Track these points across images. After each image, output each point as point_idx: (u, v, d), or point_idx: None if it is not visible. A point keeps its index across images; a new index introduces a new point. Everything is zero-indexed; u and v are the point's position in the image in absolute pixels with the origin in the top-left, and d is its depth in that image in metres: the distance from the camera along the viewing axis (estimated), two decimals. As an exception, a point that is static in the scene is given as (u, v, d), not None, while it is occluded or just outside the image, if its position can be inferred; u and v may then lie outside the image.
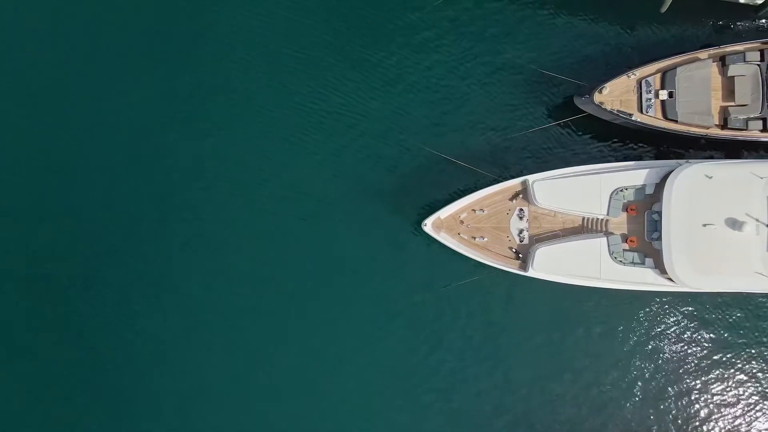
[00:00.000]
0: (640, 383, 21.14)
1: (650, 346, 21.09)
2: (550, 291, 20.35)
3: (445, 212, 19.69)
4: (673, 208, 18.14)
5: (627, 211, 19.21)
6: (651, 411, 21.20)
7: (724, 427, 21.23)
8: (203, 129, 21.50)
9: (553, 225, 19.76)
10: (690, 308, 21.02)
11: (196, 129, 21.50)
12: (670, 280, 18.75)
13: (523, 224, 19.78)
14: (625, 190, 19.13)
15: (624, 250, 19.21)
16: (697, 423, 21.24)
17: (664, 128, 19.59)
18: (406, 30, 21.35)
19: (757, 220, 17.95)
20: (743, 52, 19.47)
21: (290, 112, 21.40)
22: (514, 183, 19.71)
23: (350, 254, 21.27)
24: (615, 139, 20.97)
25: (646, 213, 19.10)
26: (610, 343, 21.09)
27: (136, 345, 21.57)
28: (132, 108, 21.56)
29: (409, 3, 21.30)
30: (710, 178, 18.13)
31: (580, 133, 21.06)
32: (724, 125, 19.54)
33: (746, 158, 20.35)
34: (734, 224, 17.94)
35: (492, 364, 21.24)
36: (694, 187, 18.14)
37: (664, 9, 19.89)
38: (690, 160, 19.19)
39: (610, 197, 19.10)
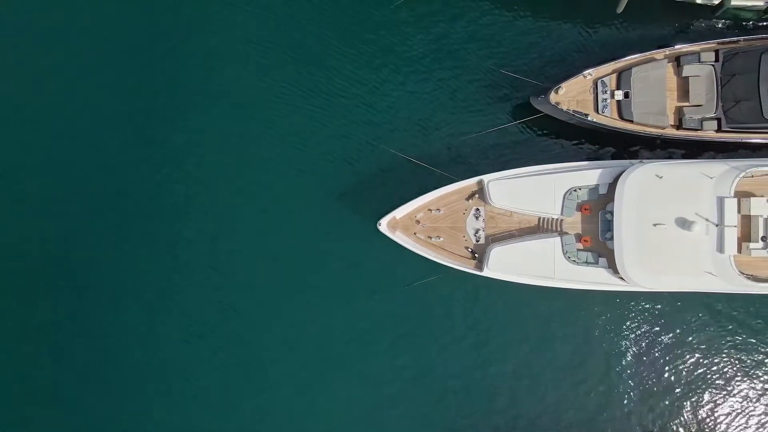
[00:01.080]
0: (623, 385, 21.18)
1: (627, 346, 21.14)
2: (525, 290, 20.23)
3: (400, 212, 19.62)
4: (624, 208, 18.13)
5: (581, 210, 19.18)
6: (637, 412, 21.26)
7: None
8: (191, 131, 21.73)
9: (509, 225, 19.76)
10: (674, 307, 21.04)
11: (182, 131, 21.74)
12: (623, 279, 18.75)
13: (479, 224, 19.78)
14: (578, 190, 19.11)
15: (578, 249, 19.19)
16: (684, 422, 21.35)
17: (620, 128, 19.58)
18: (365, 31, 21.39)
19: (707, 220, 17.93)
20: (698, 53, 19.44)
21: (259, 110, 21.61)
22: (470, 183, 19.67)
23: (307, 254, 21.31)
24: (571, 139, 20.96)
25: (599, 213, 19.09)
26: (595, 342, 21.12)
27: (127, 345, 21.70)
28: (125, 109, 21.74)
29: (368, 3, 21.36)
30: (660, 178, 18.11)
31: (537, 133, 21.08)
32: (679, 125, 19.53)
33: (702, 159, 20.32)
34: (684, 224, 17.91)
35: (465, 362, 21.36)
36: (645, 187, 18.11)
37: (620, 9, 19.95)
38: (643, 160, 19.17)
39: (564, 197, 19.11)
